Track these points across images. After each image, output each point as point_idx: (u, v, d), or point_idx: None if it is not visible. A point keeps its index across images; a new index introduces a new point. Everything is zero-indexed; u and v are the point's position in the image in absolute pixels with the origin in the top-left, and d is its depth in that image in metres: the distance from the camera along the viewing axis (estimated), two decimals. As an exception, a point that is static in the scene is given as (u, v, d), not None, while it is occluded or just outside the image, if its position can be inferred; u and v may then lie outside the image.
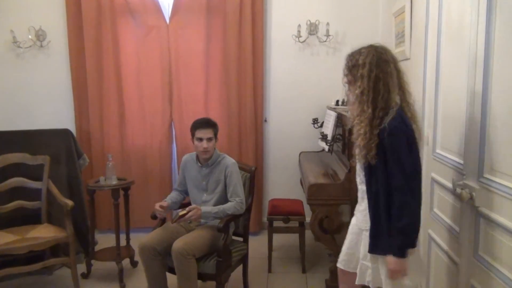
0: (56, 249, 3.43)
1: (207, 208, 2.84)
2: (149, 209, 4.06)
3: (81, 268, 3.48)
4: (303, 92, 4.37)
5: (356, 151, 1.92)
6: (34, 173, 3.43)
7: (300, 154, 4.20)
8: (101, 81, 4.34)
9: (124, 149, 4.40)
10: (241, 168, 3.17)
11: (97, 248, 3.74)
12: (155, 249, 2.73)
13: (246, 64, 4.22)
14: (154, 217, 3.03)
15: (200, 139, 2.87)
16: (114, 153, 4.12)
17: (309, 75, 4.35)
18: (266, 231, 3.91)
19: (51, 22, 4.37)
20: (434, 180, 2.49)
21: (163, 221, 3.09)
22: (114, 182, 3.38)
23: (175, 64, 4.29)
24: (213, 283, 2.78)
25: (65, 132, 3.76)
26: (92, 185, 3.36)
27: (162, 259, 2.78)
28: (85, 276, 3.46)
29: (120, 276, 3.31)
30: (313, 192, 2.91)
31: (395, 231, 1.80)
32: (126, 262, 3.55)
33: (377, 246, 1.89)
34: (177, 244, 2.63)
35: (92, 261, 3.49)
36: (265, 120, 4.42)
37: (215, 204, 2.91)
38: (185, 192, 3.13)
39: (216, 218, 2.83)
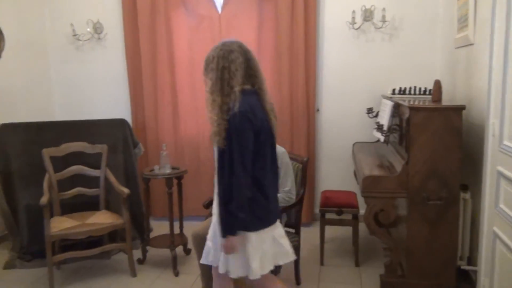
0: (113, 235, 3.57)
1: None
2: (202, 197, 4.13)
3: (137, 254, 3.59)
4: (357, 80, 4.24)
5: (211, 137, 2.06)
6: (93, 161, 3.57)
7: (353, 144, 4.09)
8: (155, 72, 4.42)
9: (178, 139, 4.48)
10: (293, 159, 3.13)
11: (152, 235, 3.84)
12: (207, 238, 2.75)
13: (298, 52, 4.15)
14: (206, 206, 3.06)
15: None
16: (168, 143, 4.20)
17: (364, 63, 4.21)
18: (317, 223, 3.86)
19: (107, 15, 4.51)
20: (500, 174, 2.33)
21: (215, 210, 3.10)
22: (168, 171, 3.44)
23: (227, 53, 4.28)
24: (265, 273, 2.77)
25: (122, 122, 3.88)
26: (147, 174, 3.43)
27: (214, 248, 2.80)
28: (141, 261, 3.57)
29: (174, 263, 3.38)
30: (368, 184, 2.82)
31: (226, 211, 1.97)
32: (179, 249, 3.61)
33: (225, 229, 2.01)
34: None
35: (147, 248, 3.59)
36: (318, 110, 4.33)
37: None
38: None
39: None
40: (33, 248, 3.58)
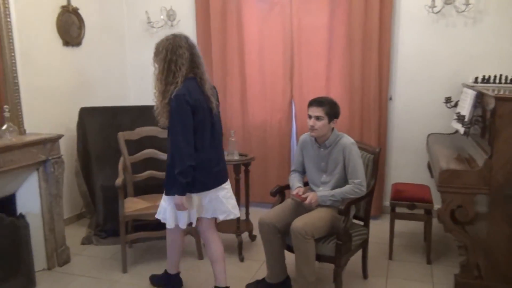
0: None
1: (324, 192, 2.77)
2: (268, 184, 4.16)
3: (204, 237, 3.66)
4: (435, 68, 3.99)
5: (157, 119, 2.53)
6: (165, 145, 3.66)
7: (428, 136, 3.87)
8: (225, 59, 4.45)
9: (245, 126, 4.49)
10: (363, 149, 3.02)
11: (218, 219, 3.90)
12: (274, 227, 2.74)
13: (371, 38, 3.97)
14: (274, 193, 3.04)
15: (310, 117, 2.78)
16: (236, 129, 4.23)
17: (443, 49, 3.95)
18: (386, 216, 3.74)
19: (180, 2, 4.59)
20: None
21: (282, 198, 3.08)
22: (236, 157, 3.46)
23: (297, 40, 4.21)
24: (331, 265, 2.71)
25: (192, 108, 3.94)
26: (216, 160, 3.47)
27: (281, 237, 2.78)
28: (208, 245, 3.64)
29: (240, 248, 3.41)
30: (445, 178, 2.65)
31: (174, 177, 2.45)
32: (245, 235, 3.64)
33: (169, 190, 2.56)
34: (297, 223, 2.60)
35: (214, 232, 3.64)
36: (390, 98, 4.14)
37: (335, 185, 2.81)
38: (304, 172, 3.07)
39: (333, 202, 2.73)
40: (108, 226, 3.78)
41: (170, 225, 2.66)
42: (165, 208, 2.66)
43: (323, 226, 2.67)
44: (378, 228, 3.76)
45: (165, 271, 3.00)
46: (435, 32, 3.95)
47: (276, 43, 4.28)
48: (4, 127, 3.02)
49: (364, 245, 2.98)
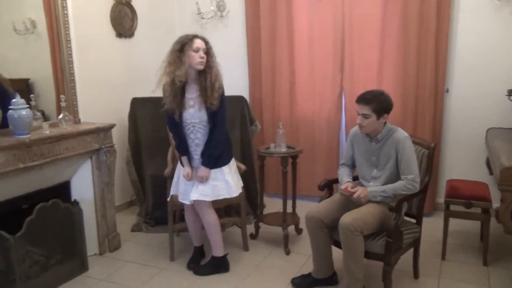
0: (229, 209, 3.68)
1: (374, 188, 2.67)
2: (316, 177, 4.09)
3: (250, 229, 3.66)
4: (497, 58, 3.74)
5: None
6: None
7: (487, 130, 3.65)
8: (274, 50, 4.40)
9: (293, 117, 4.43)
10: (417, 144, 2.89)
11: (265, 211, 3.89)
12: (322, 221, 2.69)
13: (428, 26, 3.77)
14: (322, 187, 2.98)
15: (358, 113, 2.68)
16: (284, 121, 4.17)
17: (506, 38, 3.69)
18: (440, 214, 3.58)
19: (230, -8, 4.57)
20: None
21: (330, 192, 3.01)
22: (284, 149, 3.41)
23: (348, 30, 4.08)
24: (380, 263, 2.62)
25: (240, 99, 3.94)
26: (263, 152, 3.45)
27: (328, 232, 2.72)
28: (253, 237, 3.64)
29: (285, 241, 3.38)
30: (507, 176, 2.47)
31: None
32: (291, 228, 3.60)
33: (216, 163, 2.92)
34: (345, 219, 2.53)
35: (260, 224, 3.63)
36: (447, 90, 3.94)
37: (386, 181, 2.71)
38: (353, 166, 2.98)
39: (384, 198, 2.63)
40: (156, 214, 3.86)
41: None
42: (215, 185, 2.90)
43: (373, 223, 2.58)
44: (431, 226, 3.61)
45: (212, 257, 3.08)
46: (498, 20, 3.70)
47: (327, 33, 4.17)
48: (61, 116, 3.13)
49: (415, 243, 2.86)
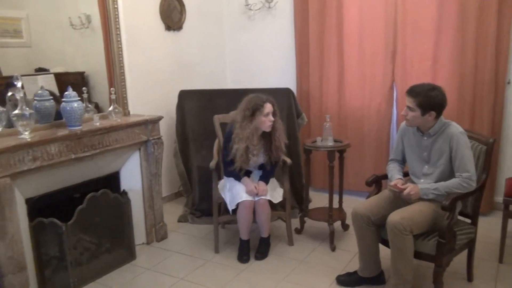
0: (273, 203, 3.62)
1: (426, 185, 2.53)
2: (364, 172, 3.97)
3: (295, 223, 3.61)
4: None
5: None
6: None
7: (553, 125, 3.39)
8: (323, 41, 4.29)
9: (341, 110, 4.31)
10: (474, 139, 2.71)
11: (310, 206, 3.83)
12: (369, 218, 2.59)
13: (489, 13, 3.52)
14: (370, 183, 2.87)
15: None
16: (332, 114, 4.08)
17: None
18: (498, 213, 3.38)
19: (279, -17, 4.50)
20: None
21: (378, 188, 2.90)
22: (331, 143, 3.33)
23: (401, 19, 3.89)
24: (431, 264, 2.49)
25: (287, 91, 3.88)
26: (309, 145, 3.38)
27: (375, 230, 2.63)
28: (298, 231, 3.58)
29: (331, 237, 3.30)
30: None
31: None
32: (337, 224, 3.52)
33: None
34: (394, 217, 2.42)
35: (305, 219, 3.57)
36: (509, 82, 3.67)
37: (438, 178, 2.56)
38: (404, 161, 2.84)
39: (437, 196, 2.49)
40: (202, 206, 3.90)
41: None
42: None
43: (424, 222, 2.46)
44: (488, 227, 3.41)
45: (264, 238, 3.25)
46: None
47: (378, 22, 4.00)
48: (110, 108, 3.21)
49: (470, 244, 2.70)
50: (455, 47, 3.72)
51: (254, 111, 2.99)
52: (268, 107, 3.00)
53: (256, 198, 3.09)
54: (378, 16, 3.99)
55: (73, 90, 2.92)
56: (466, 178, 2.45)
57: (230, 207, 3.12)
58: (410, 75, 3.92)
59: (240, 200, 3.06)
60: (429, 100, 2.47)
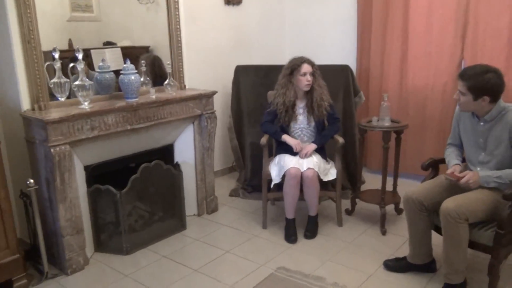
0: (325, 182, 3.56)
1: (487, 172, 2.35)
2: (422, 155, 3.78)
3: (346, 204, 3.54)
4: None
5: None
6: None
7: None
8: (387, 15, 4.08)
9: (403, 89, 4.10)
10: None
11: (364, 187, 3.73)
12: (421, 204, 2.46)
13: None
14: (426, 167, 2.73)
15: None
16: (392, 93, 3.92)
17: None
18: None
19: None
20: None
21: (435, 173, 2.75)
22: (387, 124, 3.18)
23: (475, -10, 3.60)
24: (487, 256, 2.34)
25: (345, 68, 3.75)
26: (364, 125, 3.26)
27: (428, 215, 2.50)
28: (349, 213, 3.51)
29: (382, 221, 3.20)
30: None
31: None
32: (390, 207, 3.40)
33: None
34: (448, 203, 2.28)
35: (357, 200, 3.48)
36: None
37: (497, 167, 2.36)
38: (462, 146, 2.65)
39: (500, 184, 2.31)
40: (254, 182, 3.92)
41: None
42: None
43: (482, 211, 2.29)
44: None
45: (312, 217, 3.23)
46: None
47: (448, -5, 3.73)
48: (166, 82, 3.28)
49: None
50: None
51: (292, 70, 3.13)
52: (305, 67, 3.11)
53: (304, 167, 3.04)
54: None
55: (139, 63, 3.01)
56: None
57: (276, 180, 3.13)
58: (482, 54, 3.63)
59: (286, 168, 3.04)
60: (481, 84, 2.27)
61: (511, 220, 2.25)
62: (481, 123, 2.40)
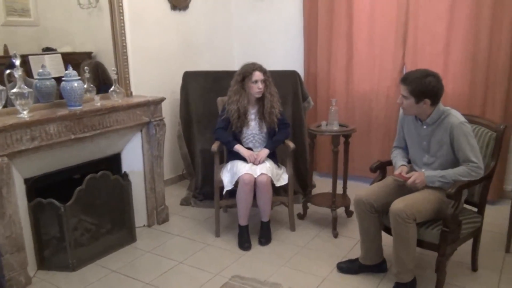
0: (277, 187, 3.57)
1: (432, 172, 2.44)
2: (369, 158, 3.88)
3: (298, 208, 3.56)
4: None
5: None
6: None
7: None
8: (332, 22, 4.18)
9: (349, 94, 4.21)
10: (483, 125, 2.62)
11: (314, 191, 3.77)
12: (371, 205, 2.52)
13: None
14: (374, 169, 2.80)
15: None
16: (339, 98, 4.00)
17: None
18: (506, 202, 3.30)
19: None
20: None
21: (383, 175, 2.83)
22: (336, 128, 3.25)
23: (413, 0, 3.75)
24: (434, 253, 2.43)
25: (293, 74, 3.79)
26: (313, 129, 3.30)
27: (378, 217, 2.56)
28: (301, 217, 3.54)
29: (334, 223, 3.25)
30: None
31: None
32: (341, 210, 3.46)
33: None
34: (397, 204, 2.35)
35: (308, 204, 3.52)
36: (523, 67, 3.54)
37: (440, 168, 2.47)
38: (407, 148, 2.75)
39: (443, 184, 2.41)
40: (205, 189, 3.87)
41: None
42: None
43: (428, 210, 2.38)
44: (495, 215, 3.33)
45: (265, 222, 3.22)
46: None
47: (390, 3, 3.86)
48: (112, 88, 3.16)
49: (475, 234, 2.62)
50: (468, 30, 3.58)
51: (244, 76, 3.15)
52: (256, 75, 3.11)
53: (258, 173, 3.02)
54: (390, -3, 3.86)
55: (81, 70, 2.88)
56: (474, 166, 2.36)
57: (228, 187, 3.09)
58: (421, 59, 3.80)
59: (240, 174, 3.01)
60: (422, 87, 2.36)
61: (455, 218, 2.36)
62: (424, 127, 2.50)
